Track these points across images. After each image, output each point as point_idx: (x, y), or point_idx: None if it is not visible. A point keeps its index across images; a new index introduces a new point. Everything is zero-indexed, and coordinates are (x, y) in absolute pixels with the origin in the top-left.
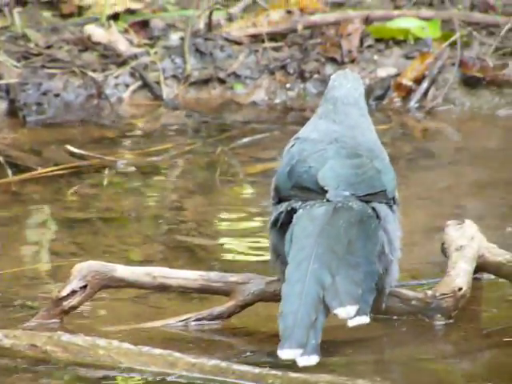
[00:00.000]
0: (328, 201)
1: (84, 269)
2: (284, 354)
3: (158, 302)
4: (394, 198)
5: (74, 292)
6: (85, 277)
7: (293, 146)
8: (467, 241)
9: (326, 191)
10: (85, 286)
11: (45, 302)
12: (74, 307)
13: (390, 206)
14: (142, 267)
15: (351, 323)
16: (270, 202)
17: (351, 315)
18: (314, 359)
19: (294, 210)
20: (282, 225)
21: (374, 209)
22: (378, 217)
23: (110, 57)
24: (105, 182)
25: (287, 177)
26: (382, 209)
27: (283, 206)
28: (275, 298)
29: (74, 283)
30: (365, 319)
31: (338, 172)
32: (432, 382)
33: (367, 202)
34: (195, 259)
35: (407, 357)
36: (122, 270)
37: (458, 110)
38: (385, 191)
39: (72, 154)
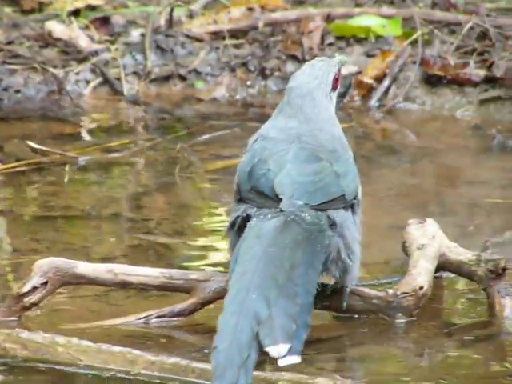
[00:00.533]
0: (281, 210)
1: (45, 265)
2: None
3: (118, 299)
4: (355, 198)
5: (34, 288)
6: (46, 273)
7: (255, 141)
8: (428, 240)
9: (281, 199)
10: (46, 283)
11: (4, 299)
12: (34, 304)
13: (352, 207)
14: (103, 264)
15: (281, 363)
16: (232, 199)
17: (282, 354)
18: None
19: (248, 217)
20: (238, 228)
21: (329, 217)
22: (333, 224)
23: (71, 53)
24: (65, 179)
25: (247, 177)
26: (339, 215)
27: (240, 210)
28: None
29: (35, 279)
30: (296, 359)
31: (294, 179)
32: (393, 379)
33: (322, 210)
34: (156, 256)
35: (368, 355)
36: (83, 267)
37: (419, 108)
38: (343, 195)
39: (33, 150)
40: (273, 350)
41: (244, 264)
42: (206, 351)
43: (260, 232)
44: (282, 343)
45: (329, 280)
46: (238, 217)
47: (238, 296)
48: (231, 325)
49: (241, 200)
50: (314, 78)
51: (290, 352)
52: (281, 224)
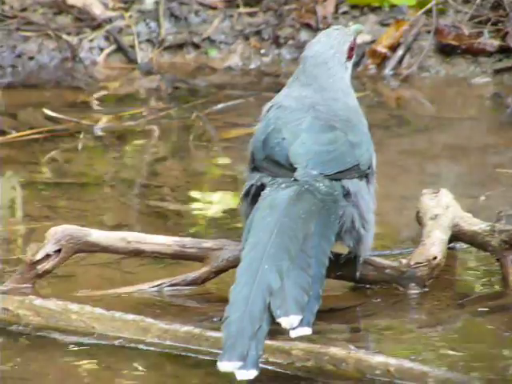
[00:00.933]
0: (295, 180)
1: (58, 233)
2: (222, 366)
3: (131, 267)
4: (370, 167)
5: (48, 256)
6: (59, 241)
7: (270, 110)
8: (442, 210)
9: (295, 169)
10: (59, 250)
11: (18, 266)
12: (47, 271)
13: (366, 176)
14: (116, 232)
15: (293, 334)
16: (247, 167)
17: (294, 326)
18: (252, 374)
19: (263, 186)
20: (253, 196)
21: (343, 187)
22: (347, 194)
23: (85, 20)
24: (79, 147)
25: (261, 146)
26: (353, 185)
27: (255, 179)
28: None
29: (48, 247)
30: (307, 330)
31: (308, 148)
32: (406, 349)
33: (337, 179)
34: (169, 224)
35: (381, 326)
36: (97, 235)
37: (433, 77)
38: (358, 165)
39: (47, 118)
40: (284, 321)
41: (257, 234)
42: (214, 319)
43: (273, 202)
44: (293, 314)
45: (342, 249)
46: (252, 185)
47: (251, 267)
48: (243, 295)
49: (255, 168)
50: (330, 48)
51: (302, 323)
52: (295, 194)
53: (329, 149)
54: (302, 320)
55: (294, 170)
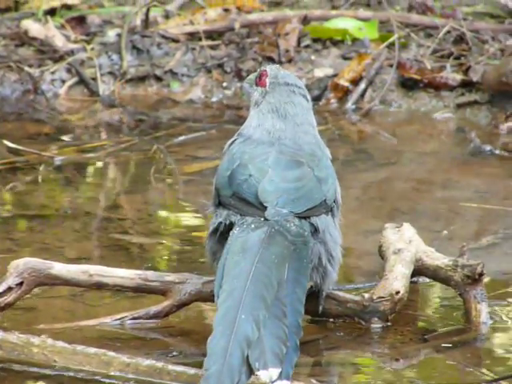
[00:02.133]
0: (265, 219)
1: (20, 265)
2: None
3: (93, 299)
4: (335, 201)
5: (9, 289)
6: (21, 274)
7: (233, 142)
8: (405, 244)
9: (265, 207)
10: (21, 283)
11: None
12: (9, 304)
13: (331, 210)
14: (78, 265)
15: None
16: (211, 202)
17: (273, 379)
18: None
19: (231, 224)
20: (220, 234)
21: (311, 224)
22: (316, 231)
23: (47, 52)
24: (40, 179)
25: (227, 182)
26: (321, 221)
27: (222, 216)
28: (212, 297)
29: (10, 280)
30: (286, 383)
31: (277, 186)
32: (369, 383)
33: (306, 217)
34: (131, 257)
35: (344, 359)
36: (59, 268)
37: (395, 111)
38: (325, 200)
39: (9, 150)
40: (264, 375)
41: (231, 282)
42: (174, 354)
43: (245, 245)
44: (272, 367)
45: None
46: (220, 223)
47: (227, 316)
48: (221, 347)
49: (220, 204)
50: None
51: (281, 376)
52: (266, 236)
53: (297, 185)
54: (280, 373)
55: (263, 208)
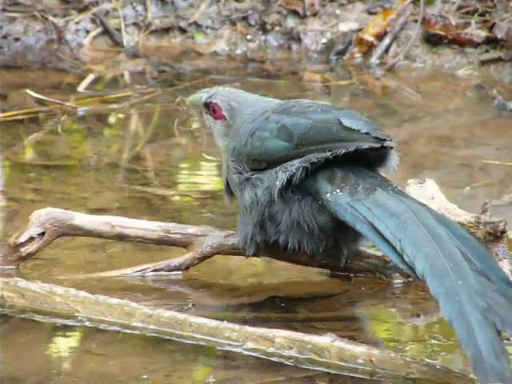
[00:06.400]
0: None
1: (42, 216)
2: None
3: (114, 250)
4: None
5: (31, 238)
6: (43, 224)
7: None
8: (428, 200)
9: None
10: (43, 233)
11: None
12: (31, 254)
13: None
14: (100, 216)
15: None
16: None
17: None
18: None
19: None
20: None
21: None
22: None
23: (72, 2)
24: (63, 129)
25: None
26: None
27: (303, 162)
28: (233, 251)
29: (32, 230)
30: None
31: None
32: (389, 339)
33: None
34: (153, 209)
35: (364, 314)
36: (81, 218)
37: (419, 67)
38: None
39: (33, 100)
40: None
41: (418, 246)
42: (190, 306)
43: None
44: None
45: None
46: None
47: (450, 287)
48: (469, 321)
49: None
50: None
51: None
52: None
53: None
54: None
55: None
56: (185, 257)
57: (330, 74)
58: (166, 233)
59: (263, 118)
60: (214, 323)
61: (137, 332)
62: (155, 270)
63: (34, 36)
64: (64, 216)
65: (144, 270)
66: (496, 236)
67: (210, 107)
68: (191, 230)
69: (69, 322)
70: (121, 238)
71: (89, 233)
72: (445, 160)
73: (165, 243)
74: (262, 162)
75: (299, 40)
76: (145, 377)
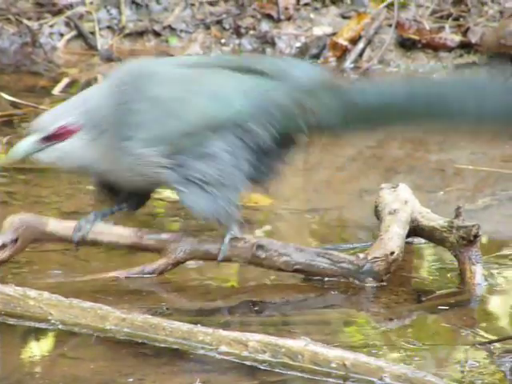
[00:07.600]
0: None
1: (16, 222)
2: None
3: (88, 254)
4: None
5: (4, 245)
6: (16, 230)
7: None
8: (401, 205)
9: None
10: (16, 240)
11: None
12: (3, 260)
13: None
14: (74, 222)
15: None
16: None
17: None
18: None
19: None
20: None
21: None
22: None
23: (46, 5)
24: None
25: None
26: None
27: None
28: (207, 256)
29: (5, 236)
30: None
31: None
32: (362, 343)
33: None
34: (127, 214)
35: (337, 318)
36: (54, 225)
37: (393, 71)
38: None
39: (6, 102)
40: None
41: None
42: (164, 309)
43: None
44: None
45: None
46: None
47: None
48: None
49: None
50: None
51: None
52: None
53: None
54: None
55: None
56: (158, 262)
57: None
58: (140, 239)
59: None
60: (187, 327)
61: (110, 335)
62: (128, 277)
63: (8, 39)
64: (37, 222)
65: (117, 275)
66: (469, 240)
67: (58, 134)
68: (165, 235)
69: (42, 325)
70: (94, 243)
71: (62, 239)
72: (418, 164)
73: (138, 249)
74: None
75: (273, 44)
76: (118, 380)
